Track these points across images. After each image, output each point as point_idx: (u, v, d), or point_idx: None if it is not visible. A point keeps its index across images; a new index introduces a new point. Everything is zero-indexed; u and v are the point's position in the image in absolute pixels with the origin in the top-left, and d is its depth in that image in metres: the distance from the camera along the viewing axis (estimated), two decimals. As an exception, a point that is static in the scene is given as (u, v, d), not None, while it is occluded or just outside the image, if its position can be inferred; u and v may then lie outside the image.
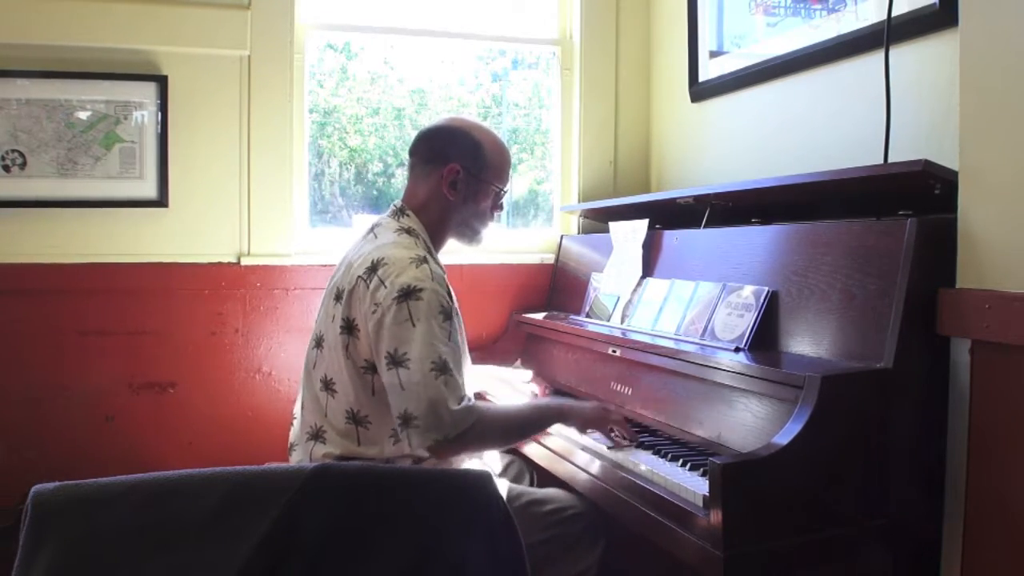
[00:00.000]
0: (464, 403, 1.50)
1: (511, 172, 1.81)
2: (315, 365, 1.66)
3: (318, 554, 1.19)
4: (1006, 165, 1.31)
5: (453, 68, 2.87)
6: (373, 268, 1.55)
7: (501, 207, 1.79)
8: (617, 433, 1.65)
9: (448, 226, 1.74)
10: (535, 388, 2.20)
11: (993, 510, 1.32)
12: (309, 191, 2.60)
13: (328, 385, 1.62)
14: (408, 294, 1.49)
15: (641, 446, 1.63)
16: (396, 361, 1.48)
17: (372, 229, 1.70)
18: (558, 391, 2.18)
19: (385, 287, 1.51)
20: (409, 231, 1.66)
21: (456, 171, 1.69)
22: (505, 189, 1.78)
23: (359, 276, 1.56)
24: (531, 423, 1.71)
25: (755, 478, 1.25)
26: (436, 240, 1.73)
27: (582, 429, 1.70)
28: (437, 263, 1.65)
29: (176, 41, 2.34)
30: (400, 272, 1.52)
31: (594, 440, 1.68)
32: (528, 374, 2.27)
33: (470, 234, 1.77)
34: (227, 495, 1.17)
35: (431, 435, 1.47)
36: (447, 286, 1.58)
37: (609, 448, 1.63)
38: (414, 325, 1.48)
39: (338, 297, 1.61)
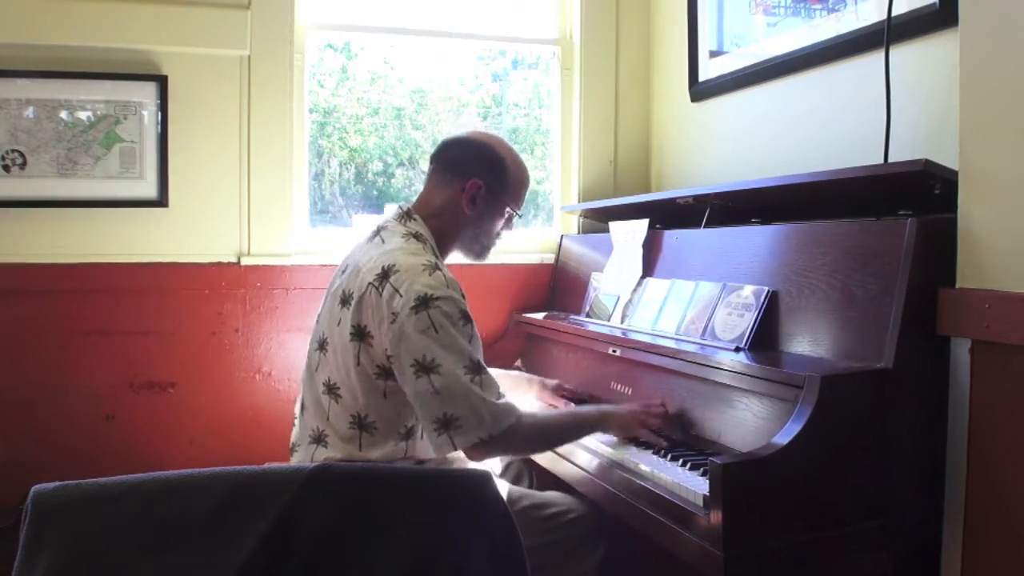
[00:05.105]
0: (503, 399, 1.50)
1: (526, 195, 1.81)
2: (318, 368, 1.64)
3: (318, 554, 1.19)
4: (1006, 165, 1.31)
5: (453, 68, 2.87)
6: (384, 275, 1.53)
7: (510, 228, 1.79)
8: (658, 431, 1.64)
9: (457, 238, 1.73)
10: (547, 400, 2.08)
11: (993, 510, 1.32)
12: (309, 191, 2.60)
13: (332, 389, 1.60)
14: (425, 302, 1.48)
15: (640, 446, 1.63)
16: (426, 368, 1.47)
17: (378, 232, 1.68)
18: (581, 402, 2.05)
19: (400, 296, 1.49)
20: (417, 236, 1.64)
21: (478, 186, 1.68)
22: (519, 213, 1.77)
23: (369, 282, 1.54)
24: (570, 430, 1.68)
25: (755, 478, 1.25)
26: (442, 248, 1.72)
27: (624, 437, 1.67)
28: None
29: (176, 41, 2.34)
30: (414, 280, 1.50)
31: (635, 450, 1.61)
32: (539, 381, 2.12)
33: (477, 249, 1.76)
34: (227, 495, 1.17)
35: (475, 433, 1.46)
36: (462, 291, 1.56)
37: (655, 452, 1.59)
38: (437, 332, 1.47)
39: (345, 302, 1.59)
